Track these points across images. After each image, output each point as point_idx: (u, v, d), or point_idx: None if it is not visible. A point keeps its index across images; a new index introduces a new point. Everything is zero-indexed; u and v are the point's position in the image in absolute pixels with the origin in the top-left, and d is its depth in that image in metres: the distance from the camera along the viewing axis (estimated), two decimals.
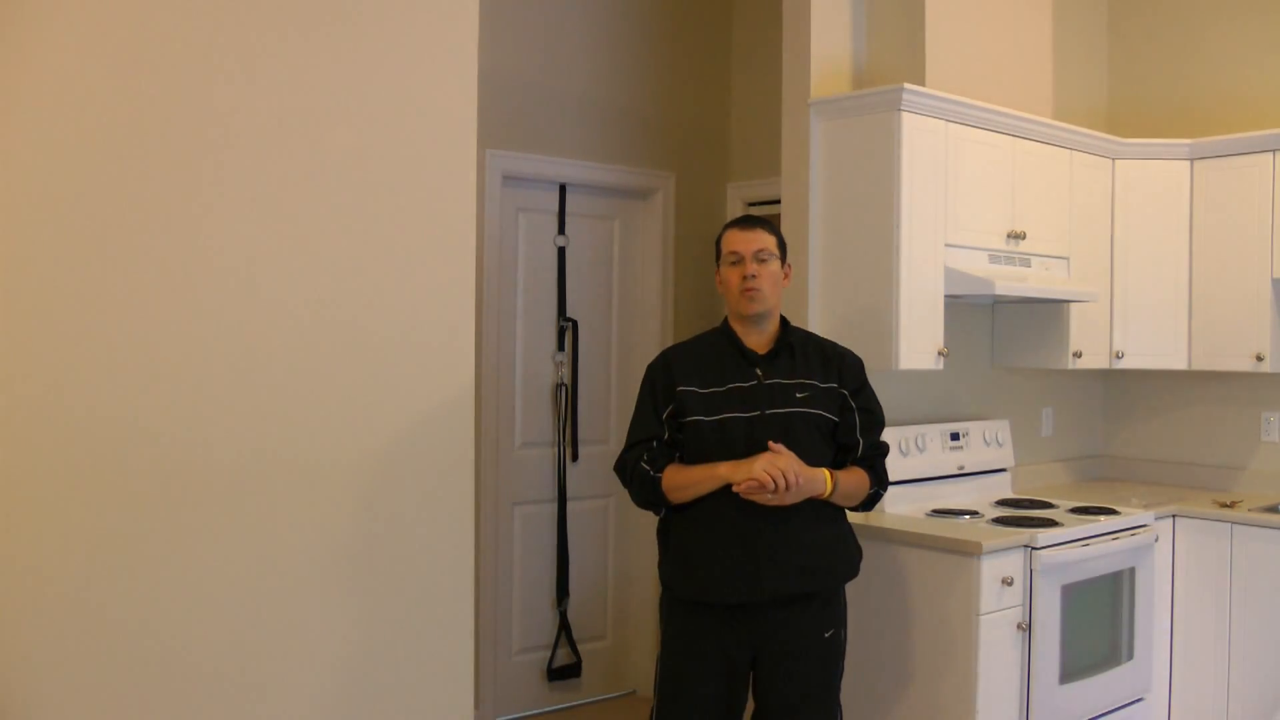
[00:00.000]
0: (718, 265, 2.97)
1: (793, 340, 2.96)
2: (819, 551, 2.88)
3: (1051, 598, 3.57)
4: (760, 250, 2.90)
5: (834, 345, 3.06)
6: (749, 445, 2.81)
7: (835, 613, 2.96)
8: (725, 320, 3.00)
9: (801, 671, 2.89)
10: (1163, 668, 4.14)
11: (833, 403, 2.93)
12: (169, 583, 2.61)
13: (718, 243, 2.97)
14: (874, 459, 2.99)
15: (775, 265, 2.93)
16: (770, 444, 2.78)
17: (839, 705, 3.01)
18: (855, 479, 2.92)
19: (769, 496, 2.73)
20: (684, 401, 2.87)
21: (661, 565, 2.98)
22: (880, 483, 3.00)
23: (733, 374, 2.89)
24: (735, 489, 2.76)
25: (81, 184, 2.49)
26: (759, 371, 2.89)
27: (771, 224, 3.00)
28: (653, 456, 2.88)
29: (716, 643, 2.88)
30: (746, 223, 2.97)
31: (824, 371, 2.94)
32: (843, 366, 2.98)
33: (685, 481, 2.84)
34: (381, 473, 2.95)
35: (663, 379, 2.92)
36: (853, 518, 3.05)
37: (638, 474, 2.89)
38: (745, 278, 2.88)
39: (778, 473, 2.72)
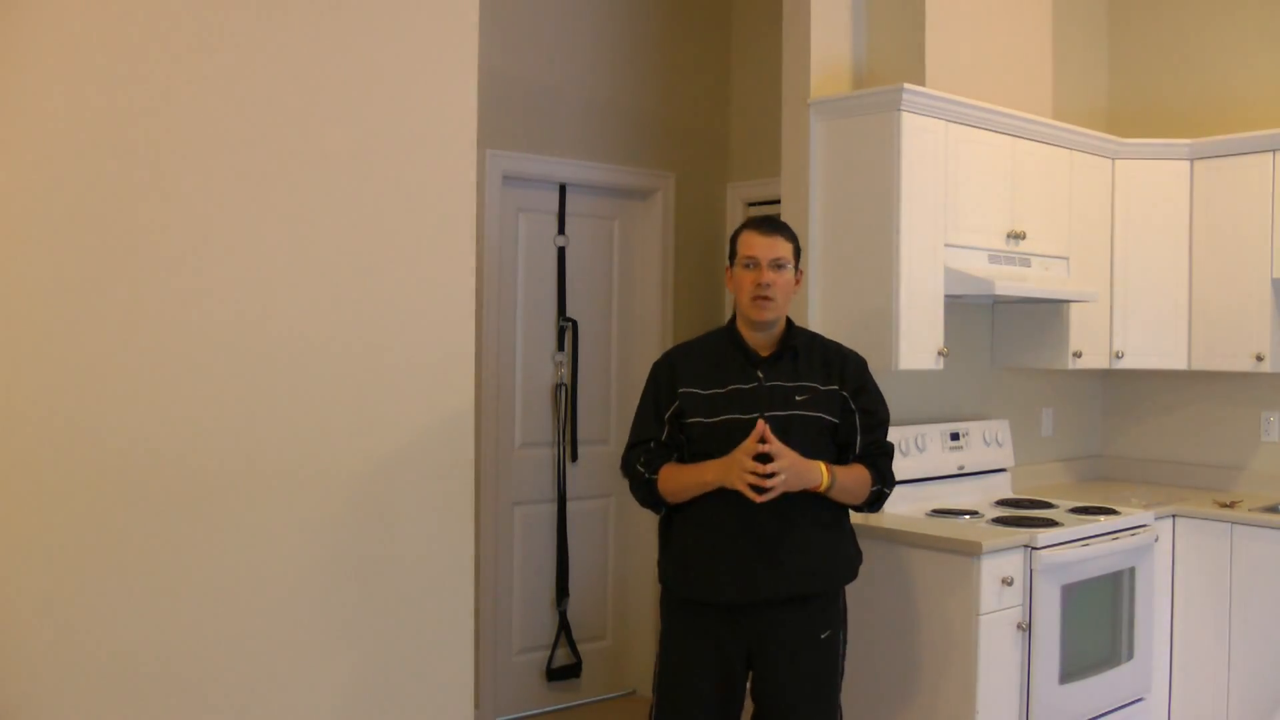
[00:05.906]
0: (730, 264, 2.94)
1: (796, 342, 2.94)
2: (817, 553, 2.88)
3: (1051, 598, 3.57)
4: (777, 258, 2.86)
5: (838, 346, 3.04)
6: None
7: (833, 614, 2.95)
8: (732, 319, 2.98)
9: (798, 672, 2.88)
10: (1163, 668, 4.14)
11: (834, 405, 2.91)
12: (169, 584, 2.61)
13: (733, 240, 2.94)
14: (875, 456, 2.96)
15: (789, 274, 2.90)
16: (761, 439, 2.72)
17: (839, 707, 2.99)
18: (855, 475, 2.89)
19: (762, 496, 2.70)
20: (686, 402, 2.88)
21: (661, 563, 2.98)
22: (884, 480, 2.95)
23: (734, 375, 2.89)
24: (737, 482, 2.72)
25: (79, 185, 2.49)
26: (760, 374, 2.89)
27: (789, 230, 2.96)
28: (649, 458, 2.89)
29: (713, 642, 2.88)
30: (766, 227, 2.91)
31: (825, 373, 2.93)
32: (844, 368, 2.96)
33: (677, 487, 2.86)
34: (381, 473, 2.95)
35: (666, 379, 2.93)
36: (852, 517, 3.04)
37: (634, 475, 2.92)
38: (759, 285, 2.85)
39: (755, 480, 2.68)
